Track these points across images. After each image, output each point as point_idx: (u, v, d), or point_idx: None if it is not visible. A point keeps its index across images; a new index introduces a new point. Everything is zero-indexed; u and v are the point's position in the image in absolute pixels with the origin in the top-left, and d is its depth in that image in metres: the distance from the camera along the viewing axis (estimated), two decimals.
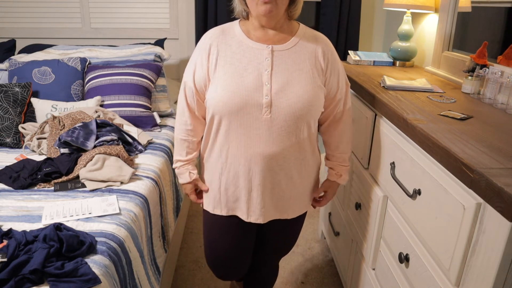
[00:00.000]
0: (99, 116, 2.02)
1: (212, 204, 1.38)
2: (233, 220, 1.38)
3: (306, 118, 1.23)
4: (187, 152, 1.39)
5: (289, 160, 1.27)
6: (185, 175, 1.40)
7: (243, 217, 1.35)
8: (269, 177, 1.28)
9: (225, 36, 1.26)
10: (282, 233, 1.49)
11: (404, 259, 1.21)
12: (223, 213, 1.37)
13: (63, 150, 1.77)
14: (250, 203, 1.32)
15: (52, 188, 1.57)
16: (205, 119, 1.34)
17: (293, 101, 1.20)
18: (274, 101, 1.20)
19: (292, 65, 1.23)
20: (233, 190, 1.32)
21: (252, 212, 1.33)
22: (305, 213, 1.48)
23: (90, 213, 1.38)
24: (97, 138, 1.82)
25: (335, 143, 1.41)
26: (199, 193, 1.45)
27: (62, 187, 1.56)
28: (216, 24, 2.60)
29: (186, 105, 1.34)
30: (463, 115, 1.24)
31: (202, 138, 1.38)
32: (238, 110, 1.20)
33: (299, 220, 1.47)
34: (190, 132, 1.37)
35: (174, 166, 1.43)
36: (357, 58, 2.14)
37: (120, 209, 1.42)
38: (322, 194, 1.47)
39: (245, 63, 1.22)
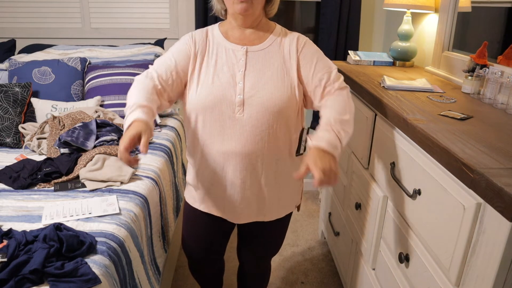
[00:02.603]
0: (99, 116, 2.02)
1: (191, 197, 1.43)
2: (208, 216, 1.41)
3: (279, 116, 1.23)
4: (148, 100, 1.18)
5: (263, 160, 1.28)
6: (138, 112, 1.11)
7: (217, 213, 1.38)
8: (242, 176, 1.28)
9: (206, 38, 1.30)
10: (262, 236, 1.49)
11: (404, 259, 1.21)
12: (198, 206, 1.41)
13: (63, 150, 1.77)
14: (224, 201, 1.34)
15: (52, 188, 1.57)
16: (168, 102, 1.30)
17: (265, 99, 1.21)
18: (246, 100, 1.22)
19: (265, 65, 1.26)
20: (208, 186, 1.34)
21: (226, 211, 1.36)
22: (287, 216, 1.46)
23: (90, 213, 1.38)
24: (97, 138, 1.82)
25: (327, 114, 1.19)
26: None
27: (62, 187, 1.56)
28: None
29: (156, 79, 1.25)
30: (463, 115, 1.24)
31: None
32: (212, 108, 1.22)
33: (280, 223, 1.46)
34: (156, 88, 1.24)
35: (127, 108, 1.16)
36: (357, 58, 2.14)
37: (120, 209, 1.42)
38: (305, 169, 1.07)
39: (221, 64, 1.25)
